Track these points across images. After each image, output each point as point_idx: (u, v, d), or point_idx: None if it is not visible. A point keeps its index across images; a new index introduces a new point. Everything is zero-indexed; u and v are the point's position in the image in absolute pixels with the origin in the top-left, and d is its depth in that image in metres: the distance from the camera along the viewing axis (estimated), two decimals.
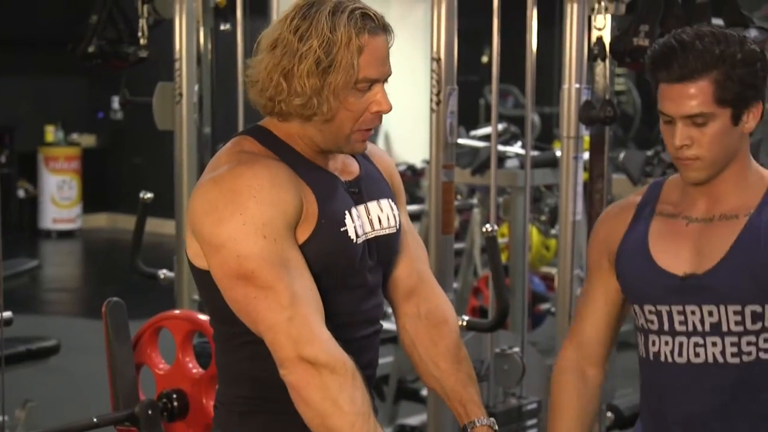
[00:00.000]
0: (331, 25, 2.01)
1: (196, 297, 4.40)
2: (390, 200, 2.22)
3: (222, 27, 4.83)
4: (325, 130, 2.08)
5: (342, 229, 2.08)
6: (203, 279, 2.08)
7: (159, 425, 2.53)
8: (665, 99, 2.13)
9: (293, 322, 1.95)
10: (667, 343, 2.21)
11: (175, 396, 2.59)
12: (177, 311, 2.87)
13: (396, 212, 2.22)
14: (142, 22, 4.54)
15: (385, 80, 2.09)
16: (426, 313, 2.31)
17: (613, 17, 3.67)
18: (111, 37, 4.62)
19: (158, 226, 8.28)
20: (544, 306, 6.89)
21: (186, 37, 4.35)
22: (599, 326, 2.35)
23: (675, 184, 2.27)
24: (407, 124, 10.42)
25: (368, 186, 2.19)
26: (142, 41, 4.55)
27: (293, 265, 2.00)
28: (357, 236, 2.10)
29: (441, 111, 3.77)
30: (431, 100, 3.74)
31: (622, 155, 5.55)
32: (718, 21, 3.46)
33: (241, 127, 4.68)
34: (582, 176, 3.86)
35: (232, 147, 2.10)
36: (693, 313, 2.17)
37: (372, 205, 2.18)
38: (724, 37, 2.10)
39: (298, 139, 2.11)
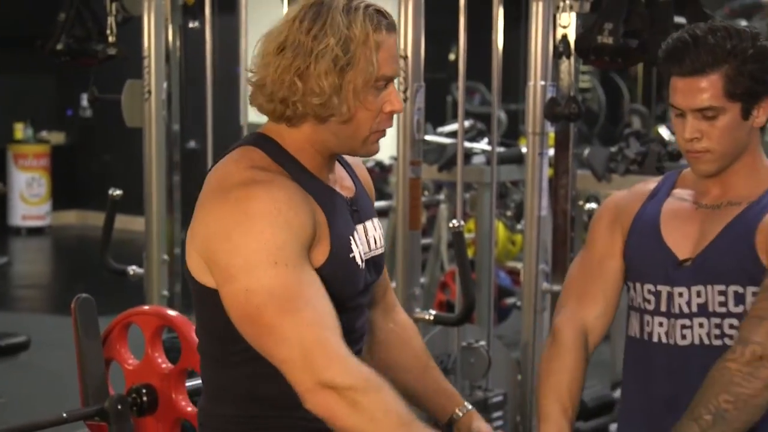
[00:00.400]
0: (347, 23, 1.92)
1: (166, 293, 4.39)
2: (377, 219, 2.16)
3: (190, 24, 4.81)
4: (340, 132, 1.98)
5: (351, 256, 2.02)
6: (205, 295, 1.98)
7: (128, 420, 2.52)
8: (676, 92, 2.15)
9: (305, 351, 1.85)
10: (661, 324, 2.24)
11: (144, 391, 2.58)
12: (146, 307, 2.85)
13: (381, 231, 2.16)
14: (111, 20, 4.53)
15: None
16: (393, 319, 2.30)
17: (578, 15, 3.69)
18: (79, 35, 4.60)
19: (128, 223, 8.23)
20: (510, 300, 6.91)
21: (154, 34, 4.34)
22: (608, 306, 2.33)
23: (689, 175, 2.30)
24: None
25: (363, 204, 2.13)
26: (110, 39, 4.54)
27: (306, 289, 1.90)
28: (361, 260, 2.05)
29: (408, 108, 3.77)
30: None
31: (586, 151, 5.58)
32: (681, 20, 3.48)
33: (210, 125, 4.67)
34: (547, 172, 3.88)
35: (243, 160, 1.98)
36: (681, 295, 2.20)
37: (368, 224, 2.12)
38: (736, 33, 2.12)
39: (307, 147, 2.01)
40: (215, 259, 1.91)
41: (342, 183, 2.10)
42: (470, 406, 2.24)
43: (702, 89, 2.12)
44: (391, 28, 1.97)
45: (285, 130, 2.00)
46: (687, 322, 2.21)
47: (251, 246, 1.87)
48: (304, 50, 1.92)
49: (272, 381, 1.96)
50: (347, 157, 2.15)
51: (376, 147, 2.04)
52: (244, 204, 1.89)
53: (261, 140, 2.02)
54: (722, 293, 2.18)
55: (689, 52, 2.12)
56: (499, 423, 4.07)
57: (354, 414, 1.85)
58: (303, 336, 1.86)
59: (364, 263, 2.06)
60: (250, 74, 2.00)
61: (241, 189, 1.91)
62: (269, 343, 1.88)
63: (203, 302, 2.01)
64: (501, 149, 5.51)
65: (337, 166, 2.12)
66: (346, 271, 2.00)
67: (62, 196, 12.68)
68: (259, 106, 2.00)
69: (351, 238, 2.03)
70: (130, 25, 4.61)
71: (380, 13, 1.96)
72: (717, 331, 2.19)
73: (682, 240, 2.23)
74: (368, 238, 2.10)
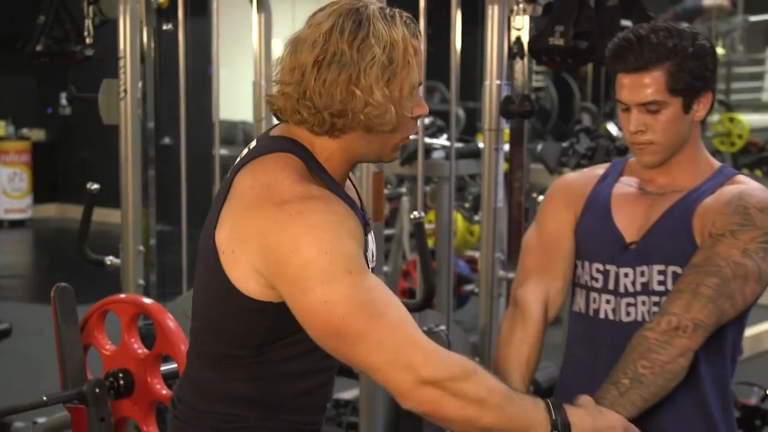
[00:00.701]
0: (388, 31, 1.83)
1: (141, 282, 4.36)
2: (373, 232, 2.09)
3: (164, 27, 4.78)
4: (376, 140, 1.90)
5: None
6: (236, 300, 1.87)
7: (106, 402, 2.51)
8: (622, 88, 2.18)
9: (398, 353, 1.77)
10: (608, 301, 2.26)
11: (121, 375, 2.56)
12: (123, 295, 2.83)
13: (375, 246, 2.08)
14: (88, 22, 4.49)
15: None
16: None
17: (531, 18, 3.69)
18: (58, 37, 4.56)
19: (105, 216, 8.19)
20: (468, 287, 6.94)
21: (130, 36, 4.30)
22: (566, 283, 2.33)
23: (636, 164, 2.33)
24: None
25: (366, 216, 2.05)
26: (88, 40, 4.50)
27: (381, 292, 1.81)
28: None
29: None
30: None
31: (539, 147, 5.60)
32: (627, 23, 3.50)
33: (183, 122, 4.64)
34: (503, 166, 3.88)
35: (288, 169, 1.86)
36: (626, 275, 2.23)
37: (370, 237, 2.03)
38: (677, 32, 2.16)
39: (336, 156, 1.91)
40: (283, 273, 1.79)
41: (350, 192, 2.03)
42: None
43: (646, 85, 2.15)
44: (420, 34, 1.91)
45: (315, 137, 1.90)
46: (631, 300, 2.23)
47: (323, 257, 1.77)
48: (351, 62, 1.81)
49: (271, 385, 1.94)
50: None
51: (397, 153, 1.98)
52: (306, 217, 1.78)
53: (294, 147, 1.90)
54: (662, 273, 2.20)
55: (634, 51, 2.15)
56: None
57: (462, 402, 1.79)
58: (395, 338, 1.78)
59: None
60: (281, 86, 1.88)
61: (299, 203, 1.80)
62: (360, 351, 1.78)
63: (229, 306, 1.89)
64: (459, 145, 5.52)
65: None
66: None
67: (43, 190, 12.61)
68: (299, 118, 1.87)
69: (367, 252, 1.96)
70: (107, 28, 4.57)
71: (411, 19, 1.90)
72: (656, 309, 2.21)
73: (629, 223, 2.26)
74: (371, 250, 2.03)
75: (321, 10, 1.88)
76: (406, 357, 1.77)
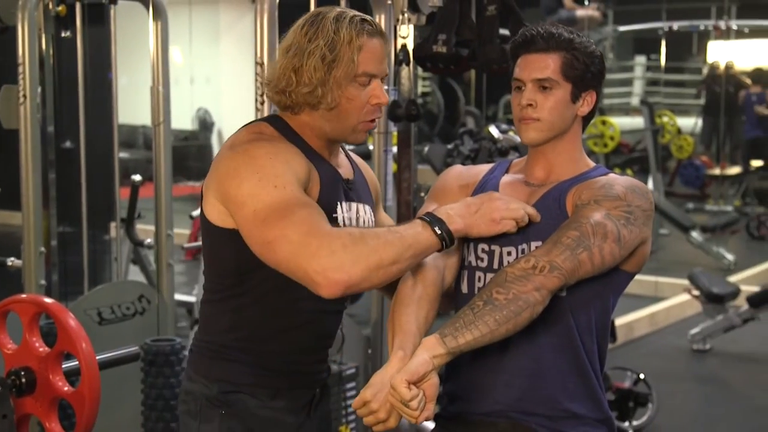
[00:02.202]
0: (335, 28, 2.14)
1: (43, 282, 4.28)
2: (371, 207, 2.33)
3: (63, 34, 4.68)
4: (332, 119, 2.18)
5: (333, 215, 2.17)
6: (214, 234, 2.16)
7: (8, 400, 2.46)
8: (521, 67, 2.28)
9: (303, 241, 1.97)
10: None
11: (23, 373, 2.51)
12: (24, 295, 2.77)
13: (372, 218, 2.32)
14: None
15: (383, 78, 2.20)
16: None
17: (416, 27, 3.73)
18: None
19: (6, 218, 8.00)
20: None
21: (28, 43, 4.21)
22: (458, 259, 2.34)
23: (519, 163, 2.41)
24: (237, 120, 10.30)
25: (358, 189, 2.30)
26: None
27: (302, 200, 2.04)
28: (345, 226, 2.18)
29: (265, 110, 3.75)
30: (256, 99, 3.72)
31: (426, 149, 5.65)
32: (504, 32, 3.56)
33: (83, 126, 4.58)
34: (392, 167, 3.91)
35: (253, 128, 2.20)
36: (509, 253, 2.26)
37: (361, 207, 2.28)
38: (575, 33, 2.30)
39: (308, 131, 2.21)
40: (227, 194, 2.08)
41: (343, 167, 2.28)
42: None
43: (543, 63, 2.25)
44: (374, 33, 2.18)
45: (291, 115, 2.22)
46: None
47: (255, 177, 2.04)
48: (301, 50, 2.15)
49: (253, 317, 2.19)
50: (355, 158, 2.37)
51: (363, 136, 2.24)
52: (249, 151, 2.10)
53: (271, 118, 2.24)
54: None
55: (539, 37, 2.26)
56: (352, 392, 4.10)
57: (364, 254, 1.97)
58: (299, 229, 1.98)
59: None
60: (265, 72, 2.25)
61: (247, 143, 2.12)
62: (277, 249, 1.99)
63: (215, 242, 2.19)
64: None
65: (342, 158, 2.32)
66: None
67: None
68: (269, 97, 2.22)
69: (338, 203, 2.20)
70: (7, 34, 4.47)
71: (365, 21, 2.18)
72: None
73: None
74: (358, 216, 2.25)
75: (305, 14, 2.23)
76: (309, 244, 1.96)
